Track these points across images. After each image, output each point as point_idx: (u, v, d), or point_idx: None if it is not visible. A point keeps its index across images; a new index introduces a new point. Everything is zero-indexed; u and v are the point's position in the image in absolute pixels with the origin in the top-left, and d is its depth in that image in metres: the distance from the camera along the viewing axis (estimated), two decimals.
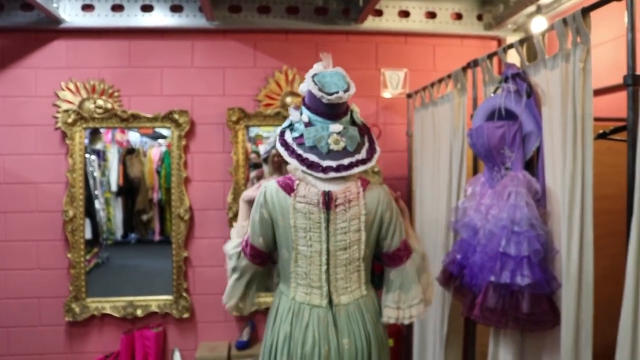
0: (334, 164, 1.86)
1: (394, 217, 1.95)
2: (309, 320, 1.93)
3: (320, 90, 1.86)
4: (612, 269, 2.54)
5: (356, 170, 1.88)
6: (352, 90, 1.89)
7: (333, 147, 1.87)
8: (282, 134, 1.98)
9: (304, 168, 1.88)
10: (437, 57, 4.18)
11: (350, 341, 1.92)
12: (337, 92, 1.85)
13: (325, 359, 1.89)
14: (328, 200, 1.87)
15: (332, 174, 1.85)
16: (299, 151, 1.90)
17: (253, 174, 3.99)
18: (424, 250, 2.10)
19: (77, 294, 3.90)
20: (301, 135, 1.92)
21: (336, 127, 1.89)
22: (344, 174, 1.87)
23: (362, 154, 1.92)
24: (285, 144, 1.94)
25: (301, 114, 1.96)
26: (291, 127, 1.97)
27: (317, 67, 1.96)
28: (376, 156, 1.96)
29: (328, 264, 1.93)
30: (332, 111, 1.89)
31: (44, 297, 3.92)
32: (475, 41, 4.18)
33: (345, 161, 1.87)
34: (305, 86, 1.94)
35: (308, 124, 1.92)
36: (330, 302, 1.95)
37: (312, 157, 1.87)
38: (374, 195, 1.91)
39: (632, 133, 1.74)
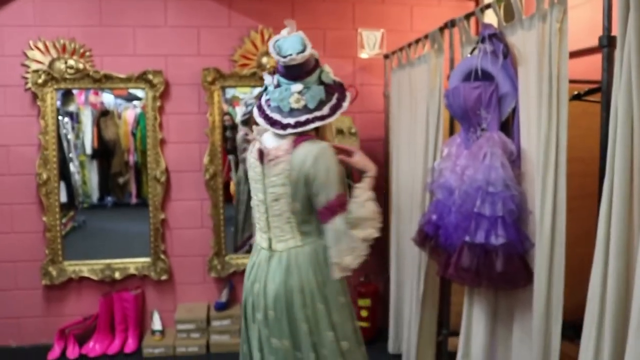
0: (292, 120, 1.98)
1: (320, 176, 1.97)
2: (256, 259, 2.17)
3: (277, 54, 1.98)
4: (585, 231, 2.60)
5: (312, 125, 1.98)
6: (308, 51, 1.98)
7: (294, 105, 1.99)
8: (259, 97, 2.12)
9: (268, 126, 2.03)
10: (414, 17, 4.14)
11: (273, 285, 2.05)
12: (290, 55, 1.95)
13: (257, 295, 2.10)
14: (262, 156, 2.05)
15: (290, 130, 1.99)
16: (267, 111, 2.04)
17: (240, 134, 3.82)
18: (364, 217, 2.11)
19: (54, 258, 3.88)
20: (270, 98, 2.06)
21: (297, 87, 1.99)
22: (299, 129, 1.98)
23: (324, 111, 2.01)
24: (259, 107, 2.08)
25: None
26: (266, 90, 2.10)
27: (282, 33, 2.05)
28: (339, 112, 2.04)
29: (267, 212, 2.10)
30: (291, 72, 2.00)
31: (19, 260, 3.89)
32: (452, 1, 4.15)
33: (303, 118, 1.98)
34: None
35: (277, 86, 2.05)
36: (270, 247, 2.12)
37: (276, 116, 2.01)
38: (302, 153, 1.97)
39: (606, 95, 1.75)
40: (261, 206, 2.12)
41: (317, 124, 1.99)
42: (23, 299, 3.92)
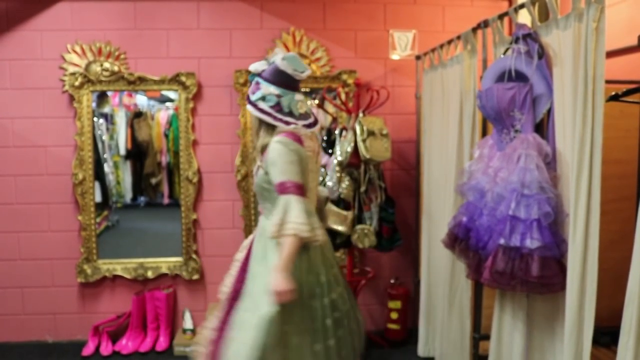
0: (307, 122, 2.38)
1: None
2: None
3: (294, 70, 2.32)
4: (622, 234, 2.54)
5: (317, 126, 2.44)
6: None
7: (300, 111, 2.37)
8: (255, 104, 2.34)
9: (313, 128, 2.40)
10: (446, 17, 4.11)
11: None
12: (307, 71, 2.38)
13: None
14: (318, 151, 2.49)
15: (313, 129, 2.41)
16: (279, 115, 2.31)
17: None
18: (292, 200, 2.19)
19: (89, 256, 3.96)
20: (277, 104, 2.32)
21: (299, 96, 2.39)
22: (314, 129, 2.41)
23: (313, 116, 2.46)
24: (262, 111, 2.32)
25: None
26: (263, 98, 2.34)
27: (278, 52, 2.39)
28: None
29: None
30: (297, 85, 2.37)
31: (56, 258, 3.98)
32: (485, 1, 4.09)
33: (311, 120, 2.40)
34: (260, 65, 2.38)
35: (279, 96, 2.32)
36: None
37: (293, 120, 2.33)
38: None
39: None
40: (313, 193, 2.46)
41: (318, 125, 2.45)
42: (59, 295, 4.01)
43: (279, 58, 2.34)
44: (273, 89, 2.33)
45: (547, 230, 2.04)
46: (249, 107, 2.37)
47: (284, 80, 2.34)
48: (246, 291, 2.34)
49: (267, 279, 2.14)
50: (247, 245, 2.52)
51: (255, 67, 2.40)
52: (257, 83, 2.36)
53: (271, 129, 2.32)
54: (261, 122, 2.35)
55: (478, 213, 2.36)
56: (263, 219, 2.43)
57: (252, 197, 4.00)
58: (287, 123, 2.31)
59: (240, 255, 2.52)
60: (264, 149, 2.33)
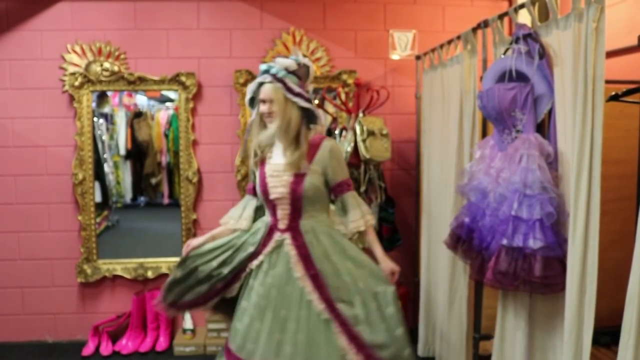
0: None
1: None
2: None
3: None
4: (622, 234, 2.54)
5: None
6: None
7: None
8: (310, 100, 2.47)
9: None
10: (446, 17, 4.11)
11: None
12: None
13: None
14: None
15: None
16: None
17: None
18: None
19: (89, 256, 3.96)
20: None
21: None
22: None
23: None
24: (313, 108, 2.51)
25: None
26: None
27: (298, 52, 2.60)
28: None
29: None
30: None
31: (56, 258, 3.98)
32: (485, 1, 4.10)
33: None
34: (292, 63, 2.46)
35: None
36: None
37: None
38: None
39: None
40: None
41: None
42: (59, 295, 4.01)
43: (307, 60, 2.49)
44: (310, 88, 2.50)
45: (549, 230, 2.04)
46: (303, 103, 2.39)
47: (310, 82, 2.51)
48: (345, 292, 2.34)
49: (365, 269, 2.38)
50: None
51: (287, 64, 2.43)
52: (303, 80, 2.46)
53: (307, 129, 2.45)
54: (302, 122, 2.42)
55: (480, 214, 2.35)
56: (310, 221, 2.42)
57: None
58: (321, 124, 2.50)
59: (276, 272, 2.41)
60: (309, 150, 2.41)
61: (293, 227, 2.41)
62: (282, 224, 2.42)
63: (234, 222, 2.55)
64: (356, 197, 2.48)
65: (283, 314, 2.32)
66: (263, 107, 2.40)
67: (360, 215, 2.43)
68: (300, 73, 2.45)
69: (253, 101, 2.50)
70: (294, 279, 2.35)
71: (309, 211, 2.41)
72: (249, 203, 2.59)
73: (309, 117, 2.44)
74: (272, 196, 2.41)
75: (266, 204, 2.48)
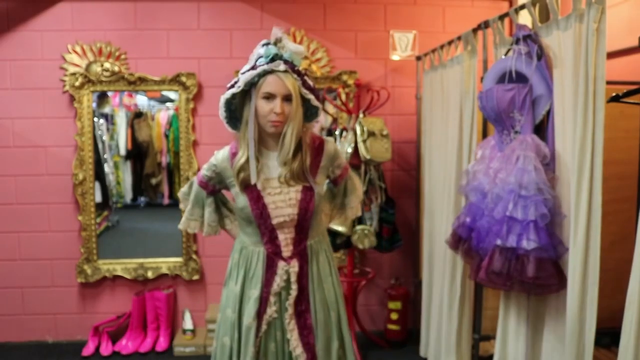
0: None
1: None
2: None
3: None
4: (622, 235, 2.54)
5: None
6: None
7: None
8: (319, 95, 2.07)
9: None
10: (447, 18, 4.11)
11: None
12: None
13: None
14: None
15: None
16: None
17: None
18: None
19: (89, 256, 3.95)
20: None
21: None
22: None
23: None
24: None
25: None
26: None
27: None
28: None
29: None
30: None
31: (56, 258, 3.98)
32: (486, 2, 4.09)
33: None
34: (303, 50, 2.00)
35: None
36: None
37: None
38: None
39: None
40: None
41: None
42: (59, 295, 4.01)
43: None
44: None
45: (543, 232, 2.04)
46: (316, 102, 1.96)
47: None
48: (325, 328, 2.06)
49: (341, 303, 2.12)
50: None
51: (301, 50, 1.97)
52: (307, 72, 2.01)
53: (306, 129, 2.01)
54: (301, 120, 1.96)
55: (480, 214, 2.36)
56: (315, 239, 2.07)
57: None
58: None
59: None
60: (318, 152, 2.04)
61: (300, 252, 2.02)
62: (286, 251, 2.01)
63: (208, 228, 2.21)
64: (352, 178, 2.21)
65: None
66: (270, 106, 1.89)
67: (357, 200, 2.22)
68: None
69: (231, 104, 2.03)
70: (277, 325, 2.03)
71: (315, 228, 2.06)
72: (207, 203, 2.21)
73: (307, 113, 2.00)
74: (276, 220, 1.97)
75: (257, 230, 2.01)
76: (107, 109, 4.12)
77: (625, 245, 2.04)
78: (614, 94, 2.35)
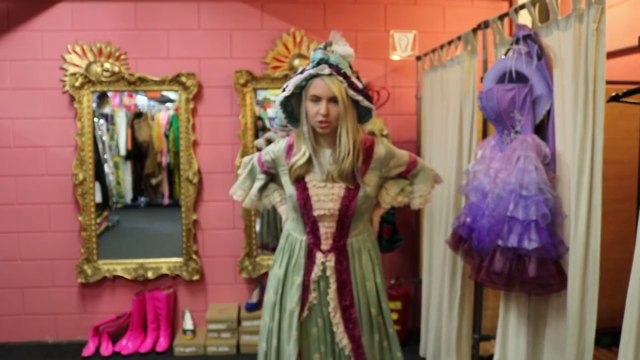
0: None
1: None
2: None
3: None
4: (622, 235, 2.54)
5: None
6: None
7: None
8: (368, 96, 2.10)
9: None
10: (447, 18, 4.11)
11: None
12: None
13: None
14: None
15: None
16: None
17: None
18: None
19: (89, 256, 3.96)
20: None
21: None
22: None
23: None
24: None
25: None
26: None
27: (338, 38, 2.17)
28: None
29: None
30: None
31: (56, 258, 3.98)
32: (486, 2, 4.09)
33: None
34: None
35: None
36: None
37: None
38: None
39: None
40: None
41: None
42: (59, 296, 4.01)
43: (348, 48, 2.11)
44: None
45: (544, 232, 2.04)
46: (367, 102, 2.02)
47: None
48: (368, 324, 2.16)
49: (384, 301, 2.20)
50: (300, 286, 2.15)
51: (348, 52, 2.10)
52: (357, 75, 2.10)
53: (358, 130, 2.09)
54: (355, 120, 2.05)
55: (480, 214, 2.36)
56: (357, 238, 2.16)
57: None
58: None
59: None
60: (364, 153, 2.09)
61: (339, 248, 2.12)
62: (325, 245, 2.11)
63: (248, 200, 2.37)
64: (424, 171, 2.27)
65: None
66: (316, 108, 1.98)
67: (427, 190, 2.27)
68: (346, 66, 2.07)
69: (286, 105, 2.10)
70: (326, 307, 2.14)
71: (358, 227, 2.14)
72: (258, 179, 2.35)
73: (359, 114, 2.07)
74: (317, 212, 2.07)
75: (301, 219, 2.13)
76: (107, 109, 4.12)
77: (625, 245, 2.04)
78: (614, 94, 2.35)
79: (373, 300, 2.16)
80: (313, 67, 2.00)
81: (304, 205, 2.07)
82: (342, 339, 2.12)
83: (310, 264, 2.13)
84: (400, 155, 2.20)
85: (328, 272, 2.11)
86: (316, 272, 2.11)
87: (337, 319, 2.12)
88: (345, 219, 2.08)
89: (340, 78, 1.98)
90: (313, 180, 2.08)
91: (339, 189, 2.05)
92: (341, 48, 2.05)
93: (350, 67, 2.11)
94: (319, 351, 2.16)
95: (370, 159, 2.11)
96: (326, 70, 1.98)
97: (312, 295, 2.13)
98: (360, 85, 2.01)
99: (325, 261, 2.11)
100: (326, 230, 2.10)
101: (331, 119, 1.99)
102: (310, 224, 2.11)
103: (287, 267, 2.17)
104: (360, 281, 2.13)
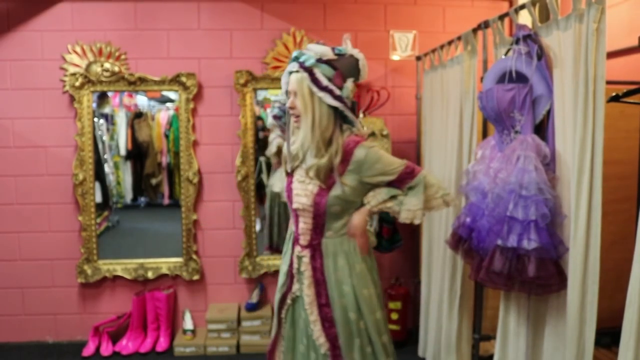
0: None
1: None
2: None
3: (364, 74, 2.24)
4: (622, 235, 2.54)
5: None
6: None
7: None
8: (341, 98, 2.09)
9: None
10: (447, 18, 4.11)
11: None
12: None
13: None
14: None
15: None
16: (351, 115, 2.14)
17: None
18: None
19: (89, 256, 3.95)
20: (347, 101, 2.15)
21: None
22: None
23: None
24: (345, 106, 2.12)
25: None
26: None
27: (348, 42, 2.19)
28: None
29: None
30: None
31: (56, 259, 3.98)
32: (486, 2, 4.09)
33: None
34: (327, 51, 2.09)
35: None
36: None
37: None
38: None
39: None
40: None
41: None
42: (59, 296, 4.01)
43: (356, 52, 2.14)
44: (350, 84, 2.09)
45: (544, 232, 2.04)
46: (329, 100, 2.02)
47: (355, 78, 2.13)
48: (347, 330, 2.13)
49: (371, 308, 2.16)
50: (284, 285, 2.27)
51: (321, 51, 2.06)
52: (340, 72, 2.05)
53: (340, 130, 2.09)
54: (335, 122, 2.07)
55: (480, 214, 2.36)
56: (333, 240, 2.14)
57: (252, 198, 3.99)
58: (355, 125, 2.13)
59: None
60: (341, 157, 2.06)
61: (314, 246, 2.15)
62: (303, 240, 2.16)
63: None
64: (422, 185, 2.14)
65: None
66: (288, 101, 2.10)
67: (417, 206, 2.16)
68: (340, 64, 2.05)
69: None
70: (303, 304, 2.18)
71: (333, 228, 2.13)
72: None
73: (342, 117, 2.08)
74: (294, 205, 2.14)
75: (290, 211, 2.24)
76: (107, 109, 4.12)
77: (625, 245, 2.04)
78: (613, 94, 2.35)
79: (351, 305, 2.11)
80: (289, 65, 2.11)
81: (288, 197, 2.19)
82: (319, 337, 2.15)
83: (292, 255, 2.23)
84: (389, 162, 2.11)
85: (302, 268, 2.17)
86: (295, 264, 2.20)
87: (314, 315, 2.15)
88: (317, 217, 2.11)
89: (305, 74, 2.03)
90: (297, 175, 2.16)
91: (313, 186, 2.09)
92: (313, 45, 2.09)
93: (355, 68, 2.13)
94: (303, 343, 2.22)
95: (348, 161, 2.06)
96: (295, 67, 2.05)
97: (295, 287, 2.21)
98: (324, 83, 2.02)
99: (301, 256, 2.18)
100: (304, 225, 2.15)
101: (299, 112, 2.06)
102: (294, 216, 2.20)
103: (284, 255, 2.31)
104: (336, 283, 2.12)
